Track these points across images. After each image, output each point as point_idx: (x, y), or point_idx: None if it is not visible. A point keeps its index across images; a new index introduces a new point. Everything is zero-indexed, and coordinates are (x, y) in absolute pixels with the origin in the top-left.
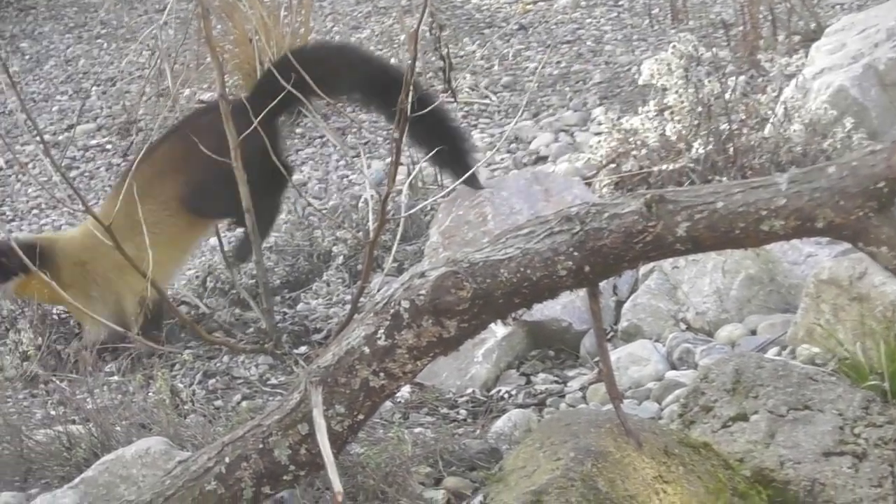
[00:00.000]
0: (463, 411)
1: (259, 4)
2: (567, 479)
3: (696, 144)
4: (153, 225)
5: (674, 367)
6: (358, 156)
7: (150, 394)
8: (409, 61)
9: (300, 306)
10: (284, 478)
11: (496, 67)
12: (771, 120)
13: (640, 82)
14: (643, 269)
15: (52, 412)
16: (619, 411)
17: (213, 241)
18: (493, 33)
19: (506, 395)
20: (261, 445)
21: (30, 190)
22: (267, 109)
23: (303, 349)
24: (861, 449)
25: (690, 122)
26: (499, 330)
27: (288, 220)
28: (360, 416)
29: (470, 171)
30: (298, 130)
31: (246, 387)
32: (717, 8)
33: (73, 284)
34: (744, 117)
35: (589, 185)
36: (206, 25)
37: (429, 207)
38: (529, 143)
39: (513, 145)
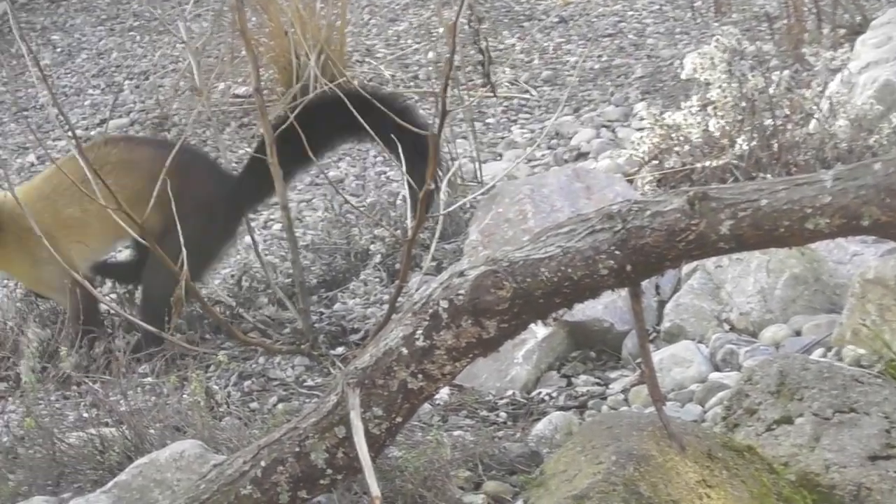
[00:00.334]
0: (503, 414)
1: None
2: (609, 483)
3: (739, 140)
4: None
5: (717, 369)
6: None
7: (184, 396)
8: (448, 54)
9: (337, 306)
10: (321, 482)
11: (536, 61)
12: (816, 115)
13: (683, 77)
14: (686, 268)
15: (85, 414)
16: (661, 414)
17: (248, 239)
18: (533, 26)
19: (546, 398)
20: (297, 449)
21: None
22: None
23: (340, 350)
24: None
25: (734, 118)
26: (539, 331)
27: (325, 218)
28: (399, 419)
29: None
30: None
31: (282, 389)
32: (760, 0)
33: (19, 248)
34: (788, 113)
35: (631, 181)
36: (241, 17)
37: (468, 205)
38: (570, 138)
39: (553, 141)
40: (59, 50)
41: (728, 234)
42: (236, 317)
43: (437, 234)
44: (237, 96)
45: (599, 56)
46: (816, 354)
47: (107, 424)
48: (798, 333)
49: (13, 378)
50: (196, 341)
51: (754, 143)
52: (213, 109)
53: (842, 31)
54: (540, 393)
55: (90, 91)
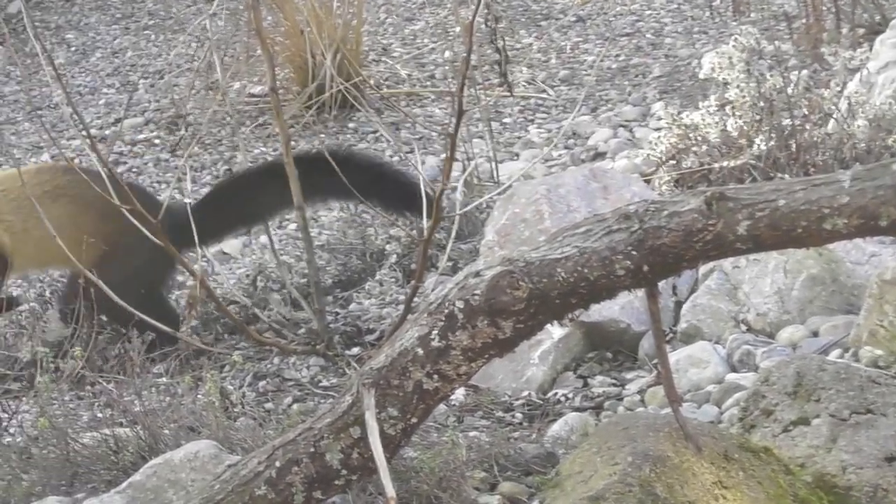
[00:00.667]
0: (518, 414)
1: None
2: (625, 484)
3: (757, 140)
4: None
5: (734, 370)
6: (412, 151)
7: (199, 396)
8: (465, 54)
9: (352, 306)
10: (336, 482)
11: (553, 60)
12: (834, 115)
13: (701, 76)
14: (703, 268)
15: (99, 414)
16: (677, 415)
17: (264, 238)
18: (550, 25)
19: (562, 398)
20: (312, 449)
21: None
22: None
23: (355, 350)
24: None
25: (752, 118)
26: (555, 331)
27: (340, 218)
28: (414, 420)
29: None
30: (351, 125)
31: (297, 389)
32: (779, 0)
33: None
34: (806, 112)
35: (648, 182)
36: (257, 16)
37: (484, 205)
38: (587, 138)
39: (570, 141)
40: (73, 49)
41: (745, 235)
42: (251, 317)
43: (453, 235)
44: (253, 95)
45: (617, 55)
46: (833, 355)
47: (121, 424)
48: (815, 334)
49: (27, 378)
50: (211, 342)
51: (772, 143)
52: (231, 108)
53: (861, 31)
54: (556, 394)
55: (105, 90)
